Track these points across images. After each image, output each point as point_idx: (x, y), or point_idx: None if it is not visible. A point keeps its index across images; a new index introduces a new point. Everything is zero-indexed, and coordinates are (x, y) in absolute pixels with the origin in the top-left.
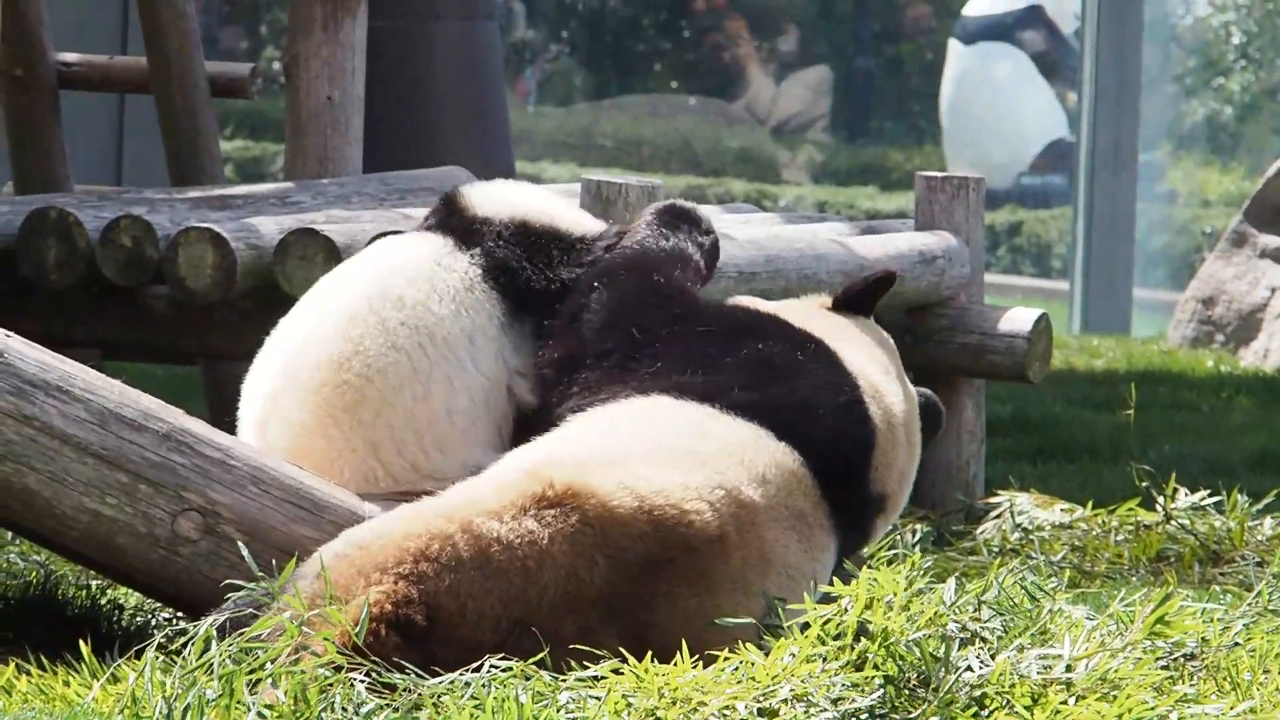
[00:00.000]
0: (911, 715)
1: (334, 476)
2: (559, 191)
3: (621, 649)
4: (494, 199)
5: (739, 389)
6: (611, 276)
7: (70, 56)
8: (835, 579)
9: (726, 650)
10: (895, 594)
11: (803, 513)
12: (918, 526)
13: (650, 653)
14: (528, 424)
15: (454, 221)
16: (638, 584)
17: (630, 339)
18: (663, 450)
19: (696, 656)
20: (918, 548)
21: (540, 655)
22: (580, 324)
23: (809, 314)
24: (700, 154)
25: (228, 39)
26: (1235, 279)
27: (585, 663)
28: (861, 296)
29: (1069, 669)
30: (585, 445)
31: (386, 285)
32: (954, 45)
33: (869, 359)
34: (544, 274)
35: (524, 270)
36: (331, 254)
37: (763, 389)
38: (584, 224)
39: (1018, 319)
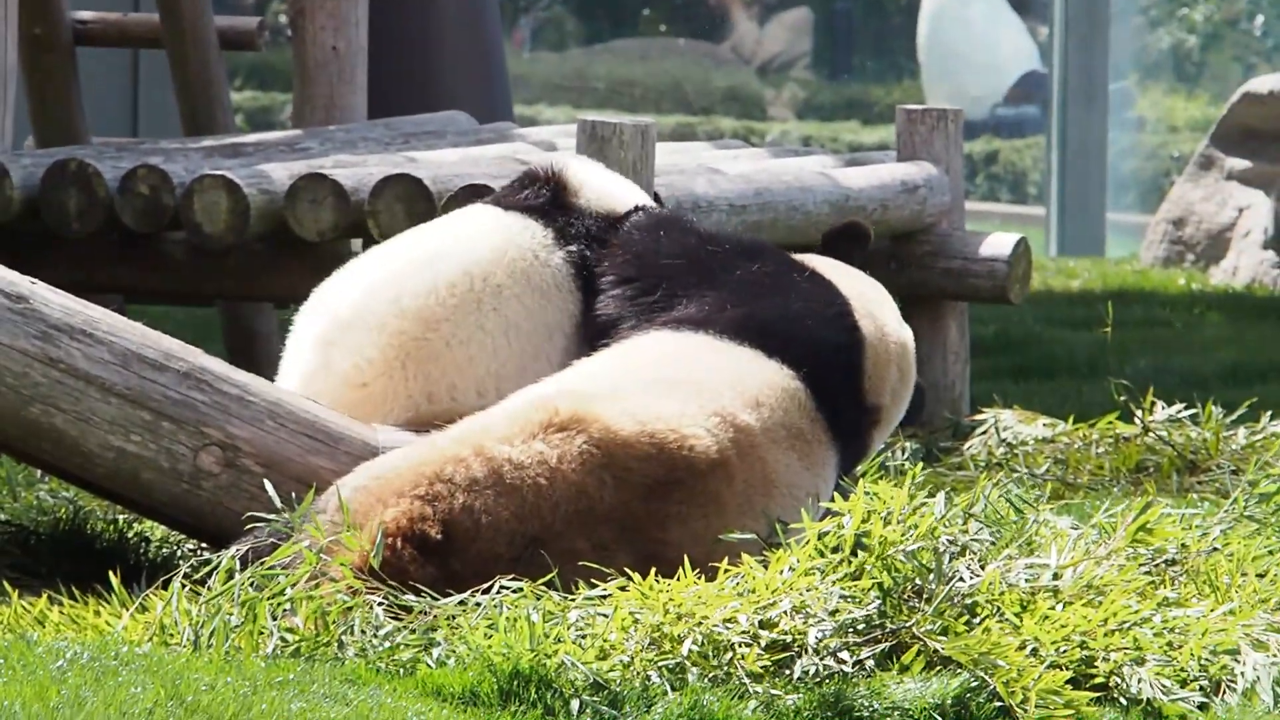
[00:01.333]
0: (906, 624)
1: (382, 415)
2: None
3: (635, 568)
4: (597, 191)
5: (731, 307)
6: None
7: (86, 14)
8: (835, 494)
9: (727, 563)
10: (896, 508)
11: (801, 431)
12: (907, 444)
13: (657, 571)
14: None
15: (558, 211)
16: (647, 504)
17: (651, 265)
18: (660, 383)
19: (699, 571)
20: (909, 463)
21: (551, 575)
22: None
23: (804, 257)
24: (690, 94)
25: None
26: (1204, 200)
27: (594, 580)
28: (838, 244)
29: (1056, 577)
30: (588, 381)
31: (489, 270)
32: None
33: (865, 286)
34: None
35: (601, 270)
36: (340, 197)
37: (753, 308)
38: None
39: (998, 243)
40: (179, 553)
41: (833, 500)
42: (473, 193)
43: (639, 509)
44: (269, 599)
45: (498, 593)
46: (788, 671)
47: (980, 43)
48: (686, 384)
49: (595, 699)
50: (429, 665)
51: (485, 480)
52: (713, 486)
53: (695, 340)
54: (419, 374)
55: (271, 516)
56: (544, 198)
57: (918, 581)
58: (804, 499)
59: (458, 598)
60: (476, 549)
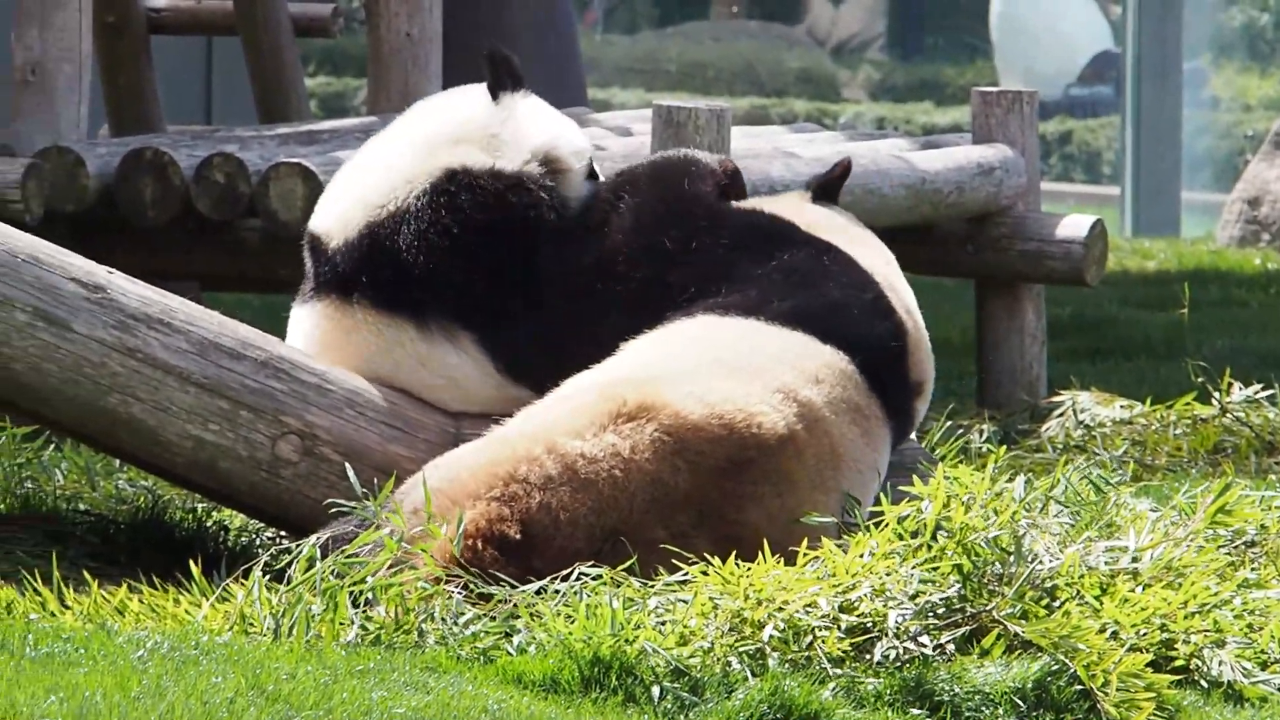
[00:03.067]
0: (986, 608)
1: None
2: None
3: (714, 551)
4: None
5: (777, 300)
6: (633, 187)
7: (159, 2)
8: (914, 478)
9: (806, 546)
10: (978, 493)
11: (859, 407)
12: (985, 427)
13: (736, 554)
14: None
15: (326, 274)
16: (722, 486)
17: (659, 256)
18: (719, 364)
19: (779, 556)
20: (989, 446)
21: (629, 562)
22: (605, 245)
23: (801, 208)
24: (762, 75)
25: None
26: (1279, 180)
27: (675, 562)
28: (831, 186)
29: (1135, 559)
30: (647, 365)
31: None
32: None
33: (876, 255)
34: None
35: (406, 284)
36: None
37: (798, 297)
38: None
39: (1074, 225)
40: (258, 541)
41: (910, 483)
42: None
43: (714, 492)
44: (350, 587)
45: (577, 580)
46: (868, 655)
47: (1053, 22)
48: (747, 365)
49: (676, 685)
50: (509, 653)
51: (560, 477)
52: (784, 463)
53: (747, 324)
54: None
55: (353, 504)
56: (314, 273)
57: (997, 565)
58: (867, 474)
59: (537, 585)
60: (557, 546)
